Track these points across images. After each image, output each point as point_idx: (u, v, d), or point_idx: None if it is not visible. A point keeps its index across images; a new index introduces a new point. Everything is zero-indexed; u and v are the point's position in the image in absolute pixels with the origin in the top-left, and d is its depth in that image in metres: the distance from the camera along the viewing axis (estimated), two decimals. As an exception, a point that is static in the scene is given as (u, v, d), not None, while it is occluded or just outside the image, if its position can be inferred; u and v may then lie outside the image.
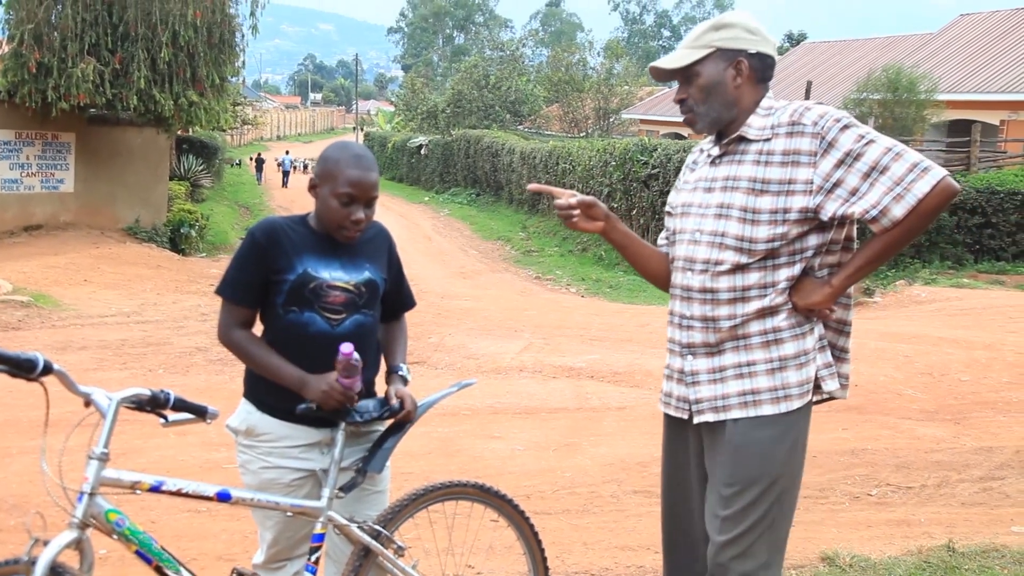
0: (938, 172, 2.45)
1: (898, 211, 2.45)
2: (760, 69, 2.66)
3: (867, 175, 2.48)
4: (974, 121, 20.74)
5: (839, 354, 2.74)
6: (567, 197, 2.77)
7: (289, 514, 2.76)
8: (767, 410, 2.61)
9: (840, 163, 2.50)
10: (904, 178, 2.45)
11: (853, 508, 5.39)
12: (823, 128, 2.53)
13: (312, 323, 2.75)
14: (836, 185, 2.51)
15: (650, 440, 6.38)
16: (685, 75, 2.68)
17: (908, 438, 6.72)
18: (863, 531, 5.00)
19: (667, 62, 2.71)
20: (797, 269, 2.61)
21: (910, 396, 7.99)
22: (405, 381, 2.90)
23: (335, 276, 2.77)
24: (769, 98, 2.68)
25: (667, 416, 2.85)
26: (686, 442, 2.80)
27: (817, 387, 2.69)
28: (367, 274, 2.83)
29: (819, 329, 2.68)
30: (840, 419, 7.00)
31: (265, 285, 2.77)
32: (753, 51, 2.64)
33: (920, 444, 6.57)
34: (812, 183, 2.53)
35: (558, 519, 5.03)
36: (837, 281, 2.59)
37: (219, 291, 2.80)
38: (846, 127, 2.51)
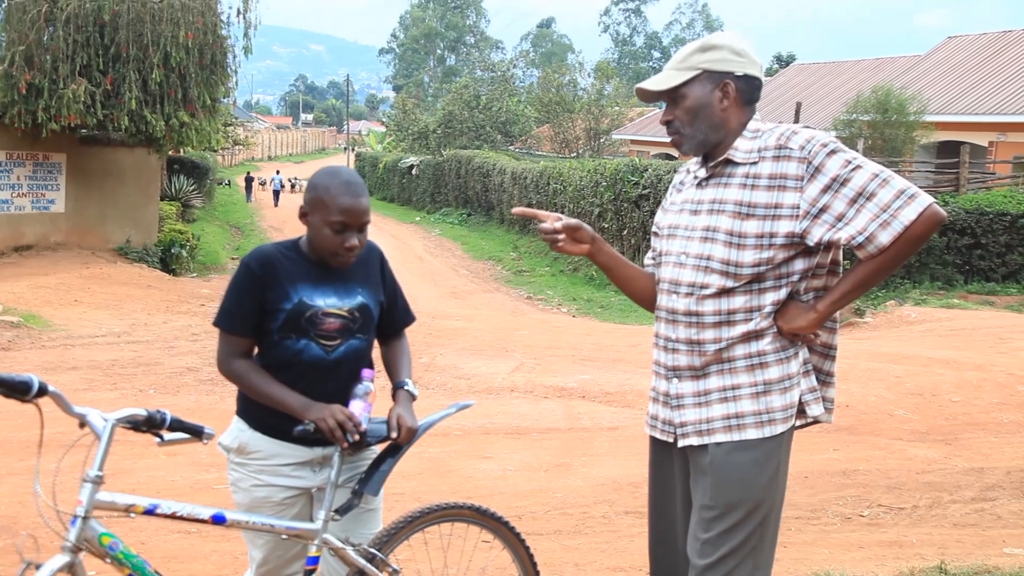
0: (925, 199, 2.45)
1: (884, 238, 2.45)
2: (747, 91, 2.65)
3: (853, 201, 2.48)
4: (963, 142, 20.86)
5: (824, 378, 2.74)
6: (552, 220, 2.77)
7: (284, 536, 2.75)
8: (751, 434, 2.60)
9: (827, 188, 2.50)
10: (891, 205, 2.45)
11: (845, 529, 5.38)
12: (810, 153, 2.52)
13: (307, 350, 2.76)
14: (822, 211, 2.51)
15: (642, 460, 6.34)
16: (672, 97, 2.68)
17: (899, 459, 6.73)
18: (855, 552, 4.99)
19: (653, 84, 2.71)
20: (783, 293, 2.61)
21: (901, 417, 8.00)
22: (412, 397, 2.89)
23: (329, 303, 2.77)
24: (756, 120, 2.67)
25: (653, 439, 2.84)
26: (672, 465, 2.79)
27: (801, 411, 2.68)
28: (360, 299, 2.83)
29: (804, 353, 2.68)
30: (831, 440, 7.00)
31: (262, 314, 2.76)
32: (740, 73, 2.63)
33: (911, 465, 6.57)
34: (799, 208, 2.53)
35: (550, 540, 5.01)
36: (823, 306, 2.58)
37: (217, 323, 2.79)
38: (833, 152, 2.51)
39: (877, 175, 2.48)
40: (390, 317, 2.99)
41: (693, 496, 2.68)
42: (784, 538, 5.01)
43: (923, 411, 8.18)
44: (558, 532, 5.17)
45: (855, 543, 5.14)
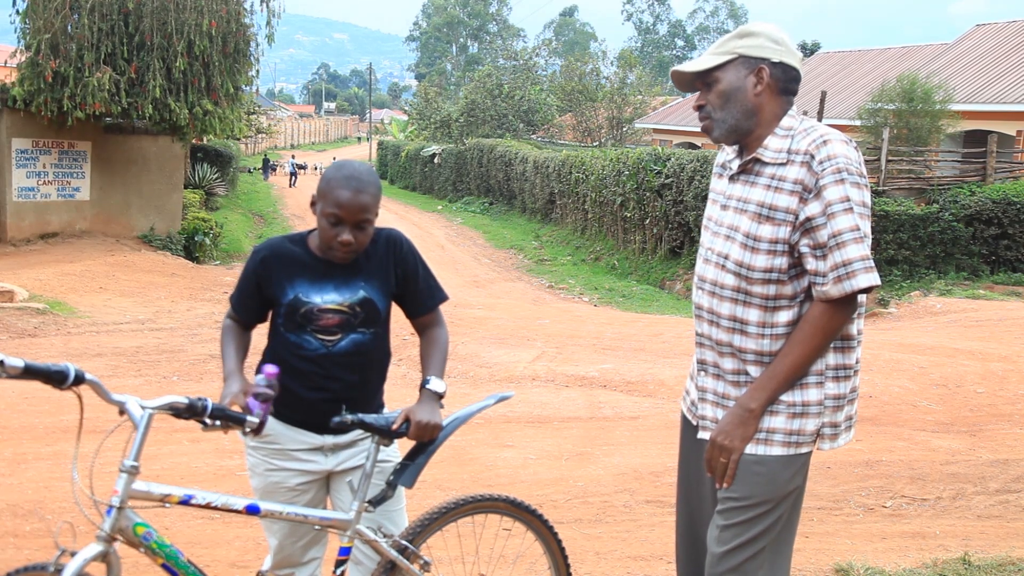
0: (876, 276, 2.47)
1: (834, 292, 2.47)
2: (783, 80, 2.61)
3: (827, 241, 2.47)
4: (990, 132, 20.62)
5: (835, 403, 2.65)
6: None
7: (317, 527, 2.76)
8: (747, 447, 2.59)
9: (821, 213, 2.47)
10: (851, 263, 2.45)
11: (867, 520, 5.36)
12: (822, 171, 2.48)
13: (307, 344, 2.77)
14: (809, 230, 2.49)
15: (663, 450, 6.36)
16: (705, 81, 2.65)
17: (923, 450, 6.69)
18: (877, 543, 4.97)
19: (689, 66, 2.68)
20: (795, 314, 2.57)
21: (925, 408, 7.95)
22: (436, 395, 2.80)
23: (328, 299, 2.77)
24: (791, 116, 2.62)
25: (684, 426, 2.85)
26: (700, 447, 2.79)
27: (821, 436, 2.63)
28: (362, 293, 2.80)
29: (831, 387, 2.61)
30: (854, 430, 6.95)
31: (264, 304, 2.86)
32: (776, 60, 2.60)
33: (935, 456, 6.53)
34: (798, 217, 2.51)
35: (571, 528, 5.01)
36: (757, 405, 2.57)
37: (231, 297, 2.94)
38: (840, 182, 2.46)
39: (858, 228, 2.45)
40: (412, 297, 2.94)
41: None
42: (806, 528, 4.99)
43: (947, 402, 8.12)
44: (579, 521, 5.18)
45: (878, 534, 5.12)
